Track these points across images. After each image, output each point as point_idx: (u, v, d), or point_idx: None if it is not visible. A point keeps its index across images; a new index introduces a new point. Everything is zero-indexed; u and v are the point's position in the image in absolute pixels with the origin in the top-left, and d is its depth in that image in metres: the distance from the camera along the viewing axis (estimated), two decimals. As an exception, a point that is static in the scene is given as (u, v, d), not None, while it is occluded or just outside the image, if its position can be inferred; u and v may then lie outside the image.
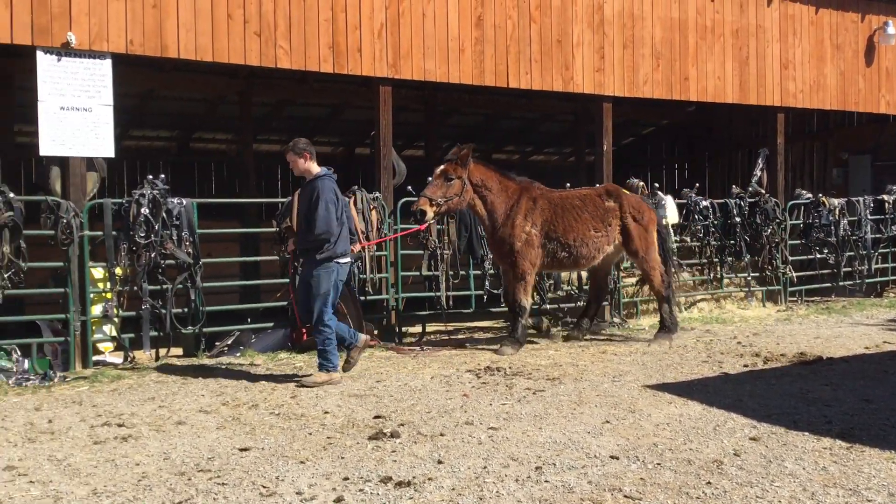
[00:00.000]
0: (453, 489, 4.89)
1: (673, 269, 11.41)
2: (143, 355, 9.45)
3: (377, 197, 10.68)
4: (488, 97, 15.26)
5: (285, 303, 10.32)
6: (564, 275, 12.07)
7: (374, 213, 10.52)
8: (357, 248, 8.91)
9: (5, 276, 8.57)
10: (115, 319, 9.24)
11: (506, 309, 12.16)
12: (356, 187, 10.58)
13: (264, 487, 4.95)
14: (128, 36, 9.22)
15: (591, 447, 5.70)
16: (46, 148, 8.93)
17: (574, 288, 12.15)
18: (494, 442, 5.85)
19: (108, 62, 9.17)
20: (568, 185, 12.27)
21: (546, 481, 5.00)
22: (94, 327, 9.23)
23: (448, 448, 5.72)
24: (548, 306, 11.90)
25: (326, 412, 6.81)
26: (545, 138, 21.61)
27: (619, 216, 10.39)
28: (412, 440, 5.93)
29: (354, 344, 8.23)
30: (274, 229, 10.35)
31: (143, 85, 13.53)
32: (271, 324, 10.52)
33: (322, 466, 5.35)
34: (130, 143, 16.40)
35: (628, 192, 10.90)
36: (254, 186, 15.87)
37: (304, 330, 10.05)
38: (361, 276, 10.40)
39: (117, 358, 9.49)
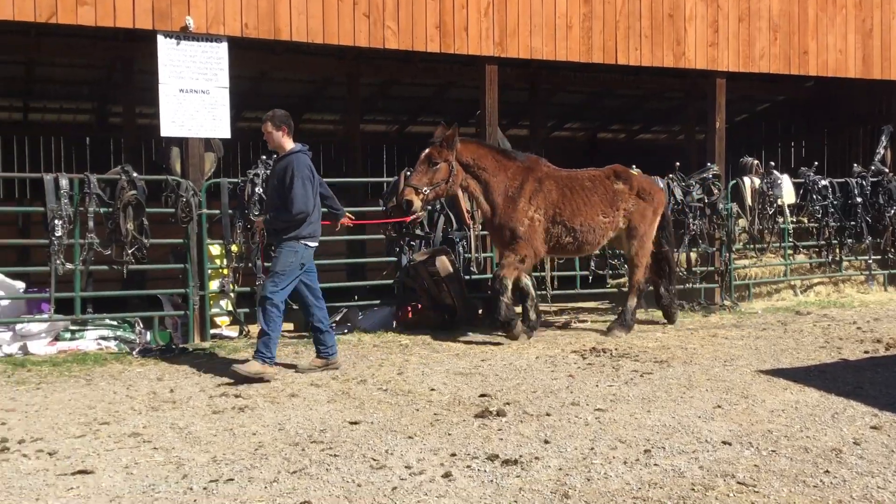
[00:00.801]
0: (560, 469, 4.87)
1: (674, 260, 10.56)
2: (257, 329, 9.75)
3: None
4: (594, 74, 14.98)
5: (391, 281, 10.48)
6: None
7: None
8: (345, 221, 8.36)
9: (129, 251, 9.00)
10: (231, 294, 9.59)
11: (612, 289, 12.06)
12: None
13: (374, 460, 5.05)
14: (243, 19, 9.48)
15: (701, 432, 5.58)
16: (167, 129, 9.29)
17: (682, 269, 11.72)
18: (601, 423, 5.80)
19: (224, 45, 9.46)
20: (677, 164, 11.98)
21: (655, 465, 4.93)
22: (211, 302, 9.60)
23: (554, 428, 5.70)
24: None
25: (433, 389, 6.90)
26: (653, 116, 21.11)
27: (628, 199, 9.63)
28: (518, 419, 5.94)
29: (329, 357, 7.66)
30: (381, 208, 10.51)
31: (256, 67, 13.88)
32: (377, 301, 10.69)
33: (430, 442, 5.42)
34: (243, 124, 16.86)
35: (637, 173, 10.18)
36: (360, 166, 16.10)
37: (409, 308, 10.20)
38: (466, 255, 10.45)
39: (233, 332, 9.84)
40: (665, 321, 10.34)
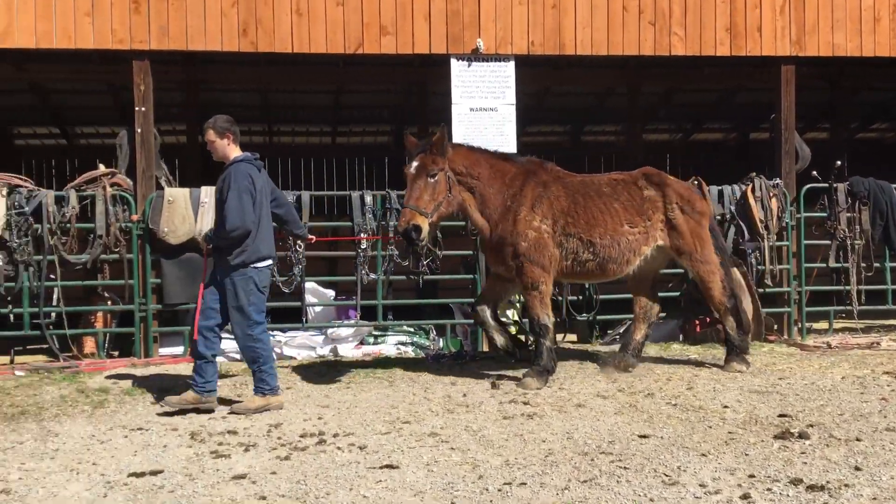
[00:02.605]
0: (874, 499, 4.48)
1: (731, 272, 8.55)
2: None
3: (777, 184, 10.09)
4: (905, 69, 13.59)
5: (677, 293, 10.21)
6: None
7: (773, 200, 9.97)
8: (310, 239, 7.74)
9: (424, 262, 9.59)
10: (517, 305, 9.86)
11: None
12: (754, 174, 10.12)
13: (666, 476, 4.95)
14: (529, 38, 9.77)
15: None
16: (458, 147, 9.77)
17: None
18: (923, 453, 5.24)
19: (511, 64, 9.80)
20: None
21: None
22: (499, 311, 9.92)
23: (866, 454, 5.24)
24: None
25: (726, 406, 6.62)
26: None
27: (663, 208, 7.97)
28: (823, 443, 5.53)
29: (263, 394, 6.77)
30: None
31: (539, 83, 14.16)
32: (663, 314, 10.44)
33: (724, 461, 5.21)
34: (527, 139, 17.28)
35: (673, 178, 8.42)
36: (643, 177, 15.85)
37: (696, 322, 9.87)
38: (759, 267, 9.93)
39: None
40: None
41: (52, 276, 8.91)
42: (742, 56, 10.41)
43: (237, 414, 6.59)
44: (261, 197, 6.70)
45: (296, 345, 9.58)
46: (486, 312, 7.97)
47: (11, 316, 8.90)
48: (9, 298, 8.82)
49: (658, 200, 7.97)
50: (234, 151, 6.77)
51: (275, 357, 7.10)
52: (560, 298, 9.71)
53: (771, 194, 9.96)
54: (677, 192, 8.08)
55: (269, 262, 6.84)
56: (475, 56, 9.70)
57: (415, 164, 7.26)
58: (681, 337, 10.00)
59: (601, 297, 9.85)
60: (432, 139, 7.33)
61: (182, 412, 6.60)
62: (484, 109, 9.80)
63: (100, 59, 10.68)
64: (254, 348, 6.70)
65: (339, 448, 5.67)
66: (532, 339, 8.14)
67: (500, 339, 8.04)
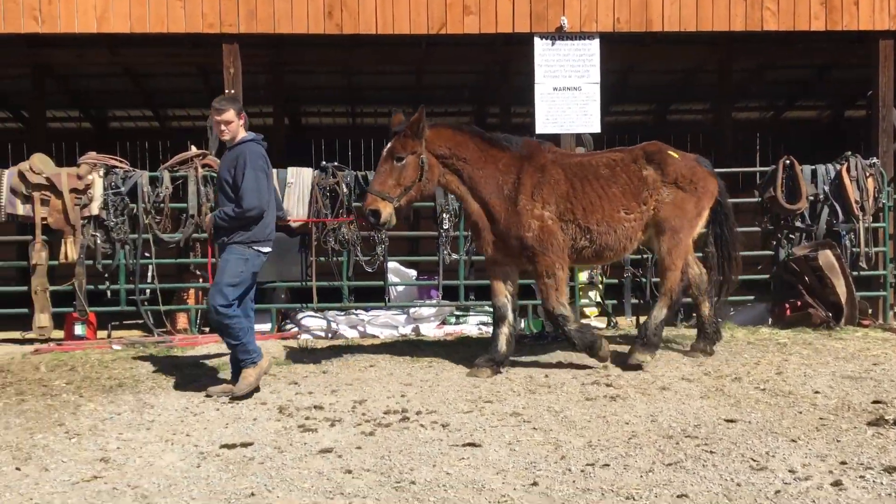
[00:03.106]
0: (976, 491, 4.30)
1: (733, 262, 8.05)
2: (625, 321, 9.87)
3: (874, 163, 9.73)
4: None
5: (767, 276, 9.95)
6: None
7: (870, 180, 9.62)
8: (297, 224, 7.42)
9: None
10: (600, 286, 9.78)
11: None
12: (849, 153, 9.77)
13: (754, 461, 4.86)
14: (615, 14, 9.63)
15: None
16: (541, 126, 9.74)
17: None
18: None
19: (596, 42, 9.67)
20: None
21: None
22: (580, 293, 9.87)
23: (968, 445, 5.04)
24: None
25: (817, 392, 6.44)
26: None
27: (661, 188, 7.45)
28: (921, 431, 5.33)
29: (254, 362, 6.54)
30: (756, 200, 10.03)
31: (624, 61, 13.92)
32: (751, 297, 10.21)
33: (815, 447, 5.08)
34: (610, 117, 17.03)
35: (677, 154, 7.73)
36: (731, 155, 15.45)
37: (786, 305, 9.61)
38: (854, 249, 9.59)
39: (601, 322, 10.04)
40: None
41: (146, 254, 9.24)
42: (838, 31, 10.06)
43: (239, 398, 6.40)
44: (269, 178, 6.68)
45: (378, 324, 9.72)
46: (507, 307, 7.47)
47: (109, 292, 9.28)
48: (106, 275, 9.20)
49: (657, 180, 7.49)
50: (242, 132, 6.63)
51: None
52: (644, 280, 9.59)
53: (867, 174, 9.61)
54: (679, 171, 7.54)
55: (269, 248, 6.65)
56: (559, 34, 9.60)
57: (386, 147, 7.05)
58: (770, 321, 9.75)
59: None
60: (411, 119, 6.97)
61: (253, 392, 6.55)
62: (567, 89, 9.70)
63: (191, 42, 10.99)
64: (230, 325, 6.42)
65: (422, 425, 5.74)
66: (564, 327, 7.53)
67: (501, 343, 7.40)
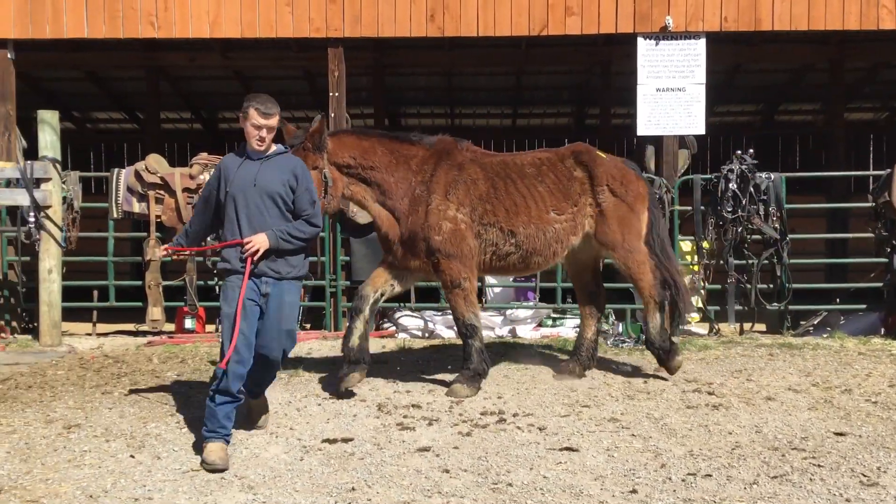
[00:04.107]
0: None
1: (673, 264, 7.36)
2: (728, 328, 9.63)
3: None
4: None
5: (880, 284, 9.54)
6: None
7: None
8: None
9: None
10: (702, 291, 9.57)
11: None
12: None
13: (864, 476, 4.69)
14: (722, 13, 9.41)
15: None
16: (643, 128, 9.60)
17: None
18: None
19: (702, 42, 9.47)
20: None
21: None
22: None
23: None
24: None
25: (934, 407, 6.15)
26: None
27: (592, 191, 6.90)
28: None
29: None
30: (869, 204, 9.64)
31: (730, 60, 13.57)
32: (863, 306, 9.81)
33: (931, 465, 4.86)
34: (715, 118, 16.62)
35: (605, 156, 7.18)
36: (842, 158, 14.85)
37: (901, 314, 9.20)
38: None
39: (702, 329, 9.81)
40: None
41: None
42: (960, 28, 9.54)
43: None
44: None
45: (475, 324, 9.75)
46: (368, 300, 6.77)
47: (217, 287, 9.62)
48: (215, 272, 9.53)
49: (586, 182, 6.95)
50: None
51: None
52: (749, 286, 9.34)
53: None
54: (609, 173, 7.02)
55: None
56: (663, 34, 9.45)
57: None
58: (882, 330, 9.34)
59: (793, 286, 9.38)
60: (310, 130, 6.21)
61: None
62: (671, 90, 9.53)
63: (297, 46, 11.28)
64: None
65: (518, 427, 5.75)
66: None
67: (354, 338, 6.66)
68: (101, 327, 10.08)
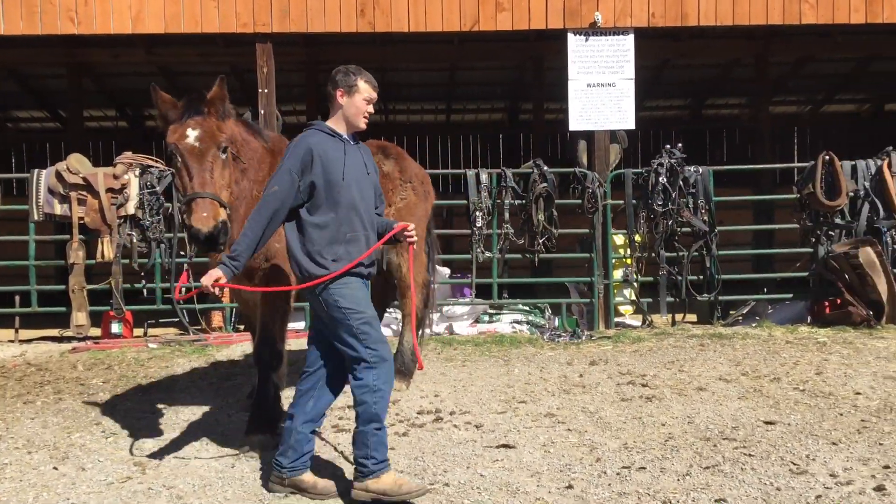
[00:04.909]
0: None
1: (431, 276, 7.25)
2: (660, 319, 9.77)
3: (916, 158, 9.49)
4: None
5: (806, 273, 9.78)
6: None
7: (911, 176, 9.38)
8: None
9: (540, 241, 9.52)
10: (635, 284, 9.68)
11: None
12: (891, 148, 9.56)
13: (794, 464, 4.76)
14: (649, 9, 9.50)
15: None
16: (575, 123, 9.65)
17: None
18: None
19: (630, 37, 9.55)
20: None
21: None
22: (615, 291, 9.78)
23: None
24: None
25: (858, 393, 6.30)
26: None
27: (400, 187, 6.58)
28: (968, 435, 5.20)
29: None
30: (794, 196, 9.86)
31: (658, 56, 13.75)
32: (789, 295, 10.05)
33: (857, 450, 4.97)
34: (644, 113, 16.83)
35: (404, 153, 6.96)
36: (768, 151, 15.21)
37: (826, 303, 9.43)
38: (895, 246, 9.39)
39: (636, 321, 9.94)
40: None
41: (182, 253, 9.31)
42: (878, 23, 9.82)
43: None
44: None
45: (411, 322, 9.69)
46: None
47: (145, 291, 9.37)
48: (142, 274, 9.28)
49: (397, 178, 6.62)
50: None
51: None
52: (680, 278, 9.49)
53: (907, 170, 9.40)
54: (414, 171, 6.82)
55: None
56: (593, 30, 9.50)
57: (193, 132, 4.73)
58: (809, 319, 9.58)
59: (722, 276, 9.55)
60: (207, 95, 4.89)
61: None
62: (601, 85, 9.60)
63: (224, 42, 11.03)
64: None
65: (455, 426, 5.71)
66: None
67: None
68: (24, 333, 9.72)
